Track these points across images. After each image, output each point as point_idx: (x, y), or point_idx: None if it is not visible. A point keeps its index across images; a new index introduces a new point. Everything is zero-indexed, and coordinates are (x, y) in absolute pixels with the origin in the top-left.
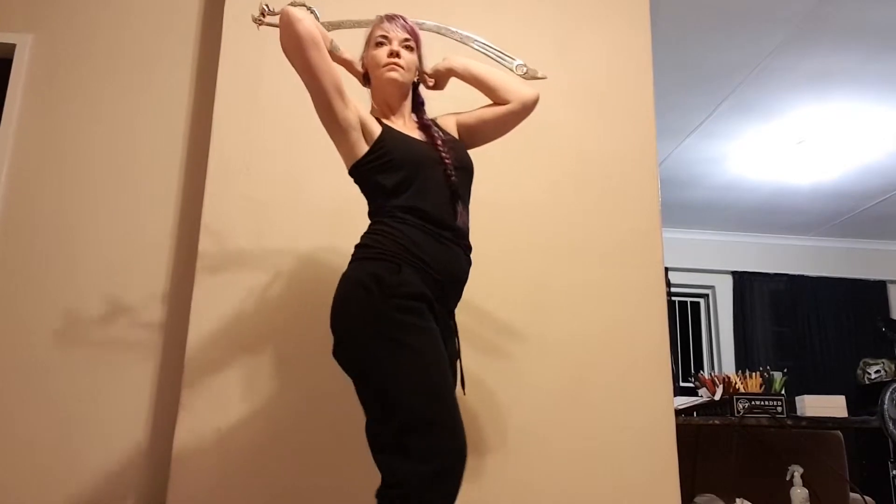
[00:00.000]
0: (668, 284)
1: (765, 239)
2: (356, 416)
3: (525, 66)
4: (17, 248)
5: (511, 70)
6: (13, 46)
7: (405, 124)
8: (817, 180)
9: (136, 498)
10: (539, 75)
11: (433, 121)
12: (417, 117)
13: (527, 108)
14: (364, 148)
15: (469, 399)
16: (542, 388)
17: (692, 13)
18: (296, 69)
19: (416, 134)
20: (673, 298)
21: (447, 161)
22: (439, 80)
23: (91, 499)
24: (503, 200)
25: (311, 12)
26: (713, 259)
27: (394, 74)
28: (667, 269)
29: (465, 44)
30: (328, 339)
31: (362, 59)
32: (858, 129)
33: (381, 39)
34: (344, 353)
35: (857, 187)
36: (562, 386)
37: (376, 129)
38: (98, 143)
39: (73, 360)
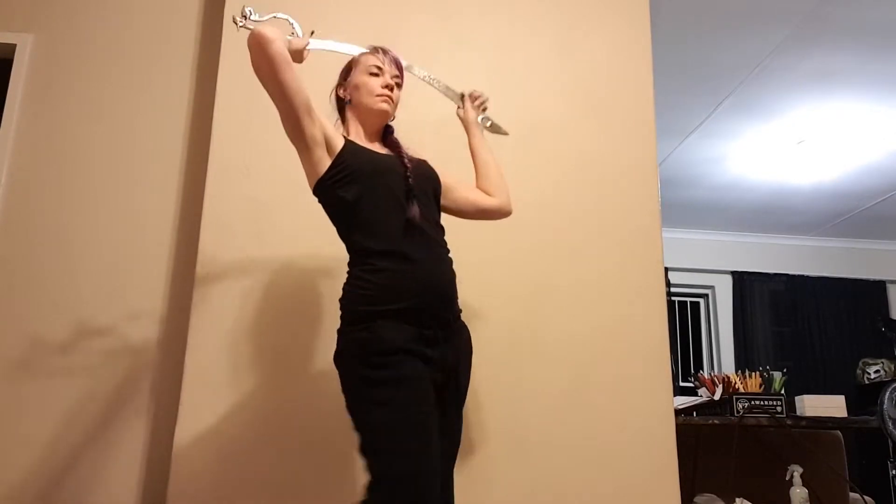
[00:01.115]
0: (668, 284)
1: (765, 239)
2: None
3: (490, 119)
4: (16, 248)
5: (459, 105)
6: (13, 46)
7: (371, 146)
8: (817, 180)
9: (136, 498)
10: (502, 131)
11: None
12: (385, 142)
13: (500, 213)
14: (328, 163)
15: (469, 398)
16: (542, 388)
17: (692, 13)
18: (267, 89)
19: (382, 151)
20: (673, 298)
21: (407, 164)
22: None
23: (91, 499)
24: None
25: (292, 26)
26: (713, 259)
27: (385, 106)
28: (667, 269)
29: (430, 84)
30: (328, 339)
31: (346, 81)
32: (858, 129)
33: (375, 70)
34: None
35: (857, 187)
36: (562, 386)
37: (339, 144)
38: (98, 143)
39: (73, 359)
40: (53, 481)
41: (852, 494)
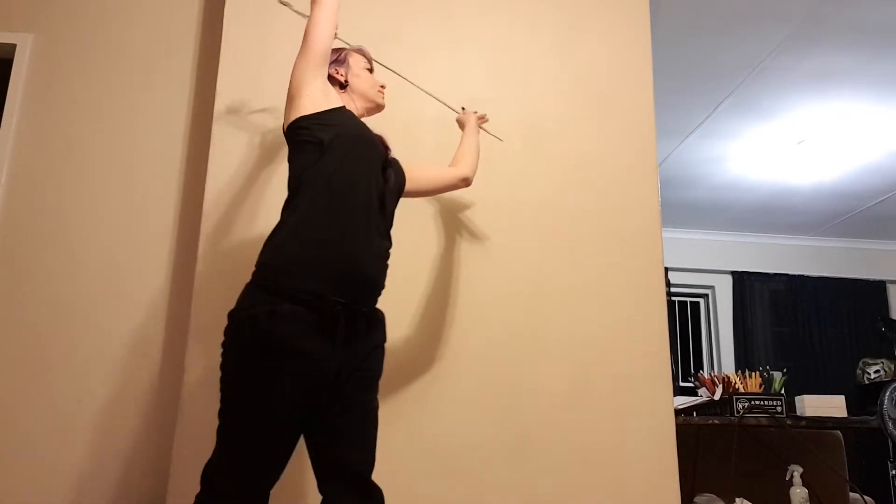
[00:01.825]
0: (668, 284)
1: (765, 239)
2: None
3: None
4: (16, 247)
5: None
6: (13, 46)
7: None
8: (817, 180)
9: (137, 498)
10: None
11: None
12: None
13: (463, 182)
14: (321, 106)
15: (469, 399)
16: (542, 388)
17: (692, 13)
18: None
19: None
20: (673, 298)
21: (387, 146)
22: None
23: (91, 499)
24: (503, 201)
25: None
26: (713, 259)
27: (383, 101)
28: (667, 269)
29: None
30: None
31: (342, 66)
32: (858, 129)
33: (369, 67)
34: (221, 368)
35: (857, 187)
36: (562, 386)
37: (336, 102)
38: (98, 142)
39: (73, 359)
40: (53, 481)
41: (852, 494)
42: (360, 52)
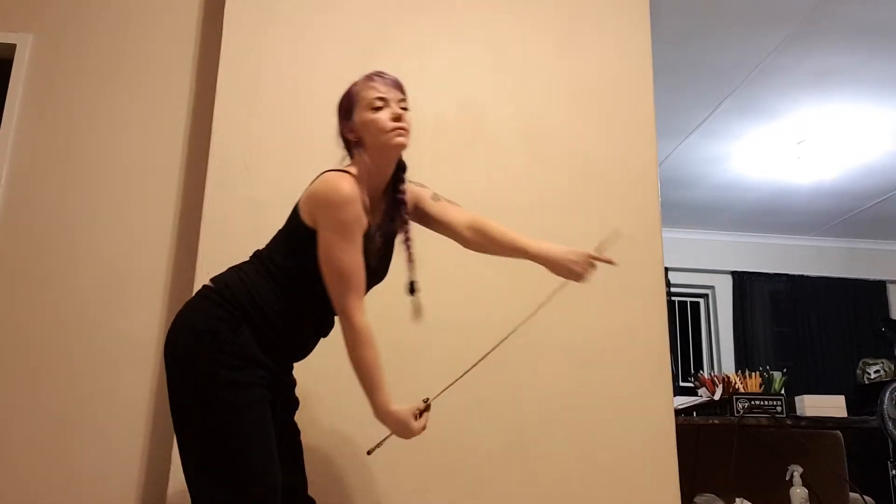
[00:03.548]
0: (668, 284)
1: (765, 239)
2: (355, 417)
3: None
4: (16, 248)
5: None
6: (13, 46)
7: (381, 199)
8: (817, 180)
9: (136, 498)
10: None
11: (404, 196)
12: (396, 189)
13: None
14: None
15: (470, 398)
16: (542, 388)
17: (692, 13)
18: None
19: (382, 213)
20: (673, 298)
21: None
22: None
23: (91, 500)
24: (503, 201)
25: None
26: (713, 259)
27: (402, 140)
28: (667, 269)
29: None
30: (326, 340)
31: (350, 121)
32: (858, 129)
33: (378, 104)
34: (170, 394)
35: (857, 187)
36: (562, 386)
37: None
38: (98, 143)
39: (73, 360)
40: (53, 481)
41: (852, 494)
42: (367, 80)
